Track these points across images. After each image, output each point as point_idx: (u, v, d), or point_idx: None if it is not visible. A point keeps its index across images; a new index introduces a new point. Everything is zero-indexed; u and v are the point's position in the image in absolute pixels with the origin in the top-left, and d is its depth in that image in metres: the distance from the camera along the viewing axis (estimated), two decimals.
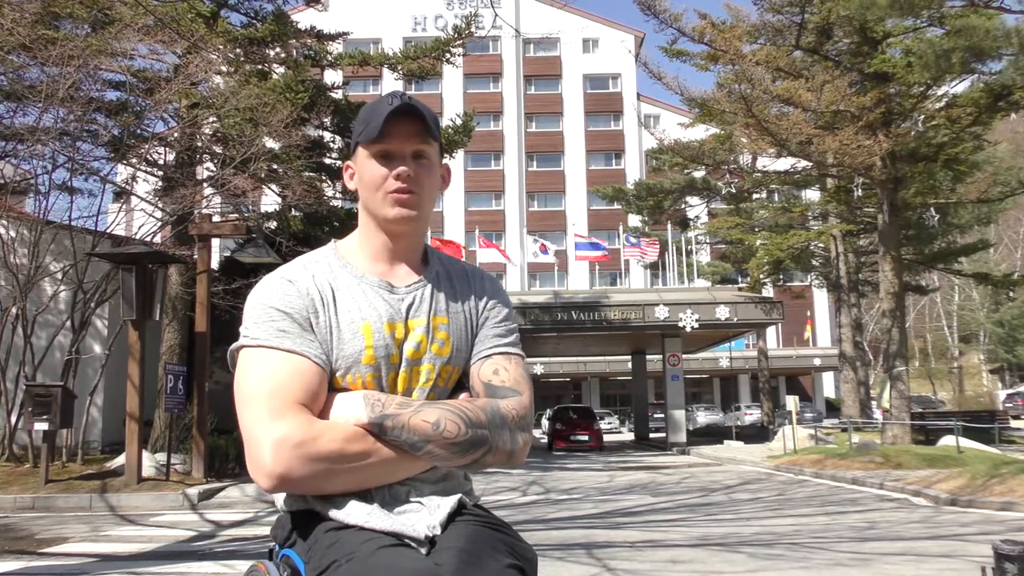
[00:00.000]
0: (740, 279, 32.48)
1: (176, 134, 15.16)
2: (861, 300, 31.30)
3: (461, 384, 1.53)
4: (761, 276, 27.26)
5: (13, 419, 12.72)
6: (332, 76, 20.51)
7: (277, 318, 1.40)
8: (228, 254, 17.05)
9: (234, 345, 1.43)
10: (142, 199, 15.03)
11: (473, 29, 17.26)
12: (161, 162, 15.55)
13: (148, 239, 14.41)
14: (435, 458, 1.38)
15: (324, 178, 18.11)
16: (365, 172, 1.48)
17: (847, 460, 15.31)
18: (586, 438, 25.64)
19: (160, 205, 14.82)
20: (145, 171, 15.53)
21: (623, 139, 53.28)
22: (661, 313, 24.17)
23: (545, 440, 36.62)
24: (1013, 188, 21.51)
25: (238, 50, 16.04)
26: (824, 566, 6.09)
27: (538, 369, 44.56)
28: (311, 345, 1.40)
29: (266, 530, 7.85)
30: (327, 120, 17.17)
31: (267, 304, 1.42)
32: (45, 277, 13.47)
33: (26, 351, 12.96)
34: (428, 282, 1.52)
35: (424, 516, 1.38)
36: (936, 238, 27.12)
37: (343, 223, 17.53)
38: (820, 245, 28.20)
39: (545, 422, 42.92)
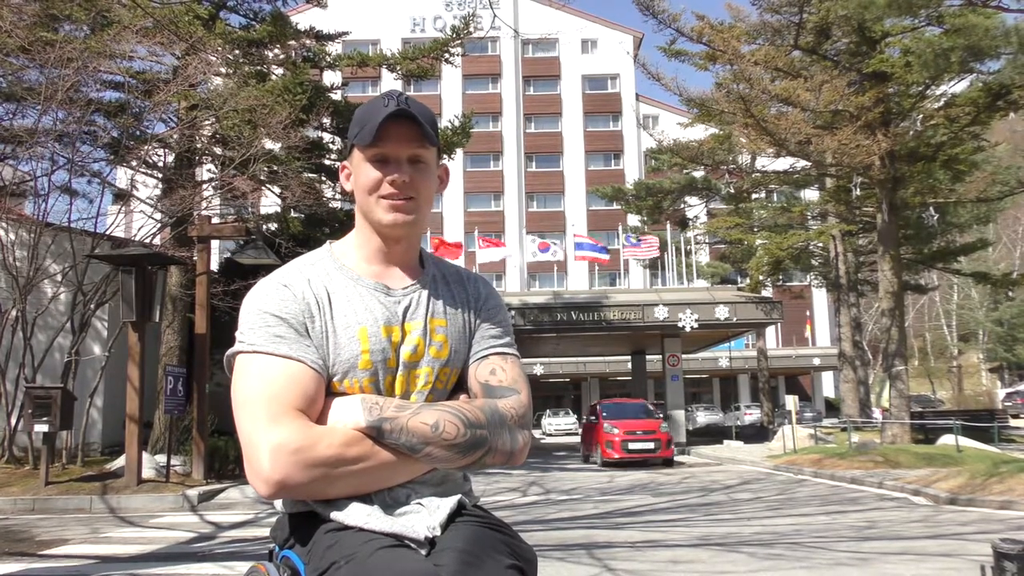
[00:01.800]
0: (740, 279, 32.48)
1: (175, 136, 15.17)
2: (860, 299, 31.32)
3: (459, 385, 1.53)
4: (760, 276, 27.26)
5: (13, 421, 12.72)
6: (331, 77, 20.52)
7: (273, 323, 1.39)
8: (228, 256, 17.05)
9: (230, 351, 1.43)
10: (142, 201, 15.03)
11: (471, 29, 17.27)
12: (160, 164, 15.55)
13: (148, 241, 14.42)
14: (435, 460, 1.38)
15: (323, 179, 18.12)
16: (360, 175, 1.48)
17: (847, 460, 15.32)
18: (651, 445, 18.21)
19: (159, 207, 14.82)
20: (145, 173, 15.53)
21: (622, 139, 53.29)
22: (661, 313, 24.18)
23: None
24: (1012, 187, 21.51)
25: (237, 51, 16.04)
26: (824, 566, 6.09)
27: (538, 370, 44.54)
28: (307, 350, 1.39)
29: (266, 531, 7.85)
30: (326, 121, 17.17)
31: (263, 309, 1.41)
32: (45, 279, 13.46)
33: (26, 353, 12.96)
34: (424, 285, 1.52)
35: (424, 517, 1.38)
36: (935, 237, 27.13)
37: (343, 224, 17.52)
38: (819, 245, 28.20)
39: (547, 422, 42.90)
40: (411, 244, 1.54)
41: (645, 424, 18.85)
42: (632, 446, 18.11)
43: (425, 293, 1.51)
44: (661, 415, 21.28)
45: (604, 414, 19.50)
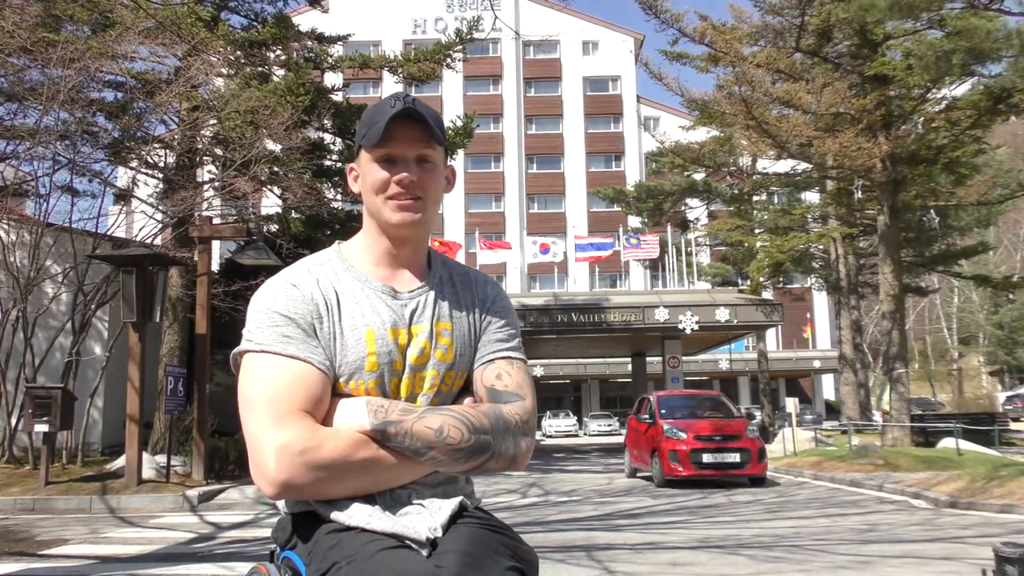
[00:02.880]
0: (740, 281, 32.48)
1: (177, 136, 15.18)
2: (861, 302, 31.31)
3: (465, 388, 1.53)
4: (761, 278, 27.26)
5: (13, 421, 12.73)
6: (332, 78, 20.53)
7: (281, 323, 1.40)
8: (228, 256, 17.06)
9: (237, 349, 1.43)
10: (143, 201, 15.05)
11: (474, 33, 17.28)
12: (162, 164, 15.56)
13: (148, 241, 14.42)
14: (438, 464, 1.39)
15: (325, 180, 18.12)
16: (368, 176, 1.48)
17: (847, 462, 15.28)
18: (736, 458, 12.79)
19: (161, 207, 14.84)
20: (146, 173, 15.55)
21: (623, 141, 53.33)
22: (661, 315, 24.17)
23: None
24: (1013, 190, 21.54)
25: (239, 52, 16.05)
26: (824, 569, 6.08)
27: (538, 371, 44.56)
28: (315, 351, 1.39)
29: (266, 532, 7.85)
30: (327, 122, 17.18)
31: (271, 309, 1.41)
32: (45, 279, 13.47)
33: (26, 353, 12.97)
34: (431, 287, 1.52)
35: (425, 518, 1.38)
36: (936, 240, 27.16)
37: (344, 225, 17.54)
38: (820, 247, 28.21)
39: (547, 424, 42.75)
40: (418, 245, 1.54)
41: (724, 426, 13.24)
42: (707, 458, 12.71)
43: (432, 296, 1.51)
44: (745, 414, 15.44)
45: (662, 411, 13.76)
